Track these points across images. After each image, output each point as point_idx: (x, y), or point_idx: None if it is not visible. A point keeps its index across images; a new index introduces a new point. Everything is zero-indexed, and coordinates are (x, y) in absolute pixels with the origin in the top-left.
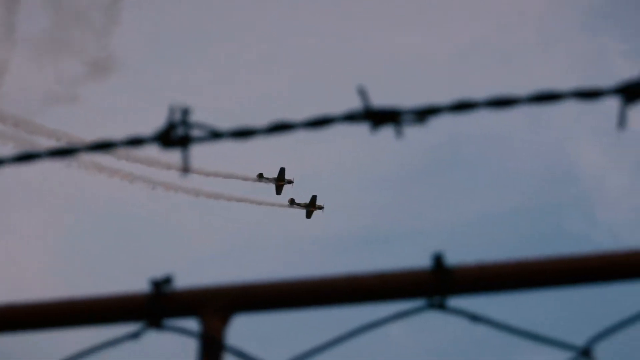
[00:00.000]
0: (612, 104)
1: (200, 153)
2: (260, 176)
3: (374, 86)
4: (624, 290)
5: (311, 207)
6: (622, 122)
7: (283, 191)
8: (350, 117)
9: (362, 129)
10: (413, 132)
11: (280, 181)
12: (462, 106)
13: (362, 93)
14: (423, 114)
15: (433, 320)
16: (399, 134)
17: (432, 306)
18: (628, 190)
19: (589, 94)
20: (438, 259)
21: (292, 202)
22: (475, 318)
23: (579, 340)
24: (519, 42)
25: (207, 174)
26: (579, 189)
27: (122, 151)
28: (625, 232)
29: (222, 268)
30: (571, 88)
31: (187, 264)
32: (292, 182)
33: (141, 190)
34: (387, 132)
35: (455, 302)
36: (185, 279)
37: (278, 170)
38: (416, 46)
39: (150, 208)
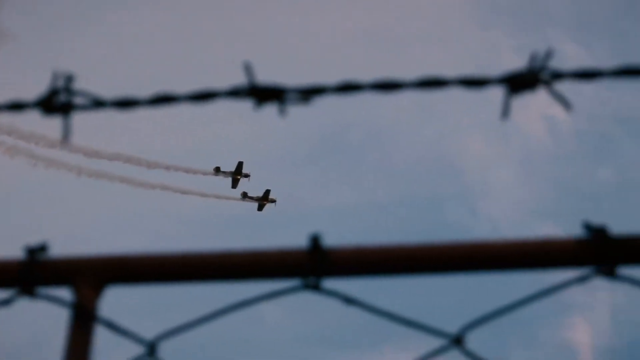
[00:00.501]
0: (499, 97)
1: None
2: (218, 170)
3: (262, 65)
4: (498, 280)
5: (264, 200)
6: (506, 112)
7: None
8: (235, 93)
9: (247, 106)
10: (303, 115)
11: (237, 175)
12: (348, 87)
13: (248, 69)
14: (308, 93)
15: (314, 304)
16: (282, 112)
17: (307, 287)
18: (511, 184)
19: (475, 83)
20: (315, 240)
21: (244, 195)
22: (349, 300)
23: (452, 328)
24: (414, 31)
25: (168, 168)
26: (463, 181)
27: (4, 124)
28: (506, 225)
29: (102, 243)
30: (457, 75)
31: (69, 238)
32: (249, 175)
33: (23, 165)
34: (271, 110)
35: (331, 284)
36: (62, 250)
37: (236, 163)
38: (311, 28)
39: (35, 182)
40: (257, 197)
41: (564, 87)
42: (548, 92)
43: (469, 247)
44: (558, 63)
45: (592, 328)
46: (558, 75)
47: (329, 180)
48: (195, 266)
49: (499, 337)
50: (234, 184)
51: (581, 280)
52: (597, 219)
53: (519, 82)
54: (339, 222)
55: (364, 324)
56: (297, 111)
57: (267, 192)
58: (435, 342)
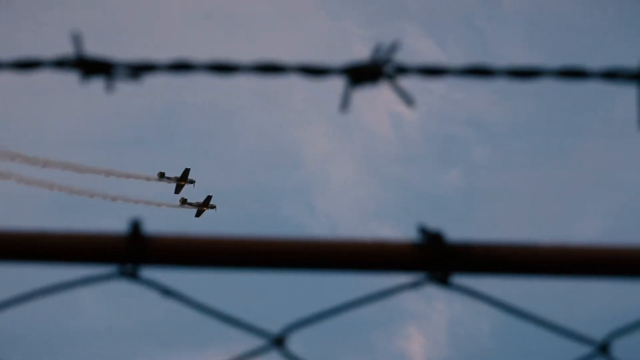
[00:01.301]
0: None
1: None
2: (162, 175)
3: (92, 37)
4: (333, 280)
5: (204, 206)
6: (345, 104)
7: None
8: (60, 63)
9: (73, 79)
10: (134, 92)
11: (182, 181)
12: (181, 66)
13: (76, 39)
14: (138, 70)
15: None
16: (110, 87)
17: (123, 274)
18: (352, 182)
19: (315, 71)
20: (135, 226)
21: (183, 201)
22: (167, 292)
23: (275, 328)
24: (261, 16)
25: (105, 173)
26: (304, 174)
27: None
28: (343, 224)
29: None
30: (297, 62)
31: None
32: (194, 182)
33: None
34: (99, 86)
35: (152, 274)
36: None
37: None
38: (150, 5)
39: None
40: (197, 203)
41: (412, 84)
42: (390, 86)
43: (301, 243)
44: (410, 58)
45: (427, 339)
46: (402, 70)
47: (158, 164)
48: (4, 245)
49: (330, 341)
50: (178, 190)
51: (413, 286)
52: (439, 224)
53: (361, 74)
54: (164, 209)
55: (192, 320)
56: (127, 88)
57: (209, 198)
58: (258, 343)
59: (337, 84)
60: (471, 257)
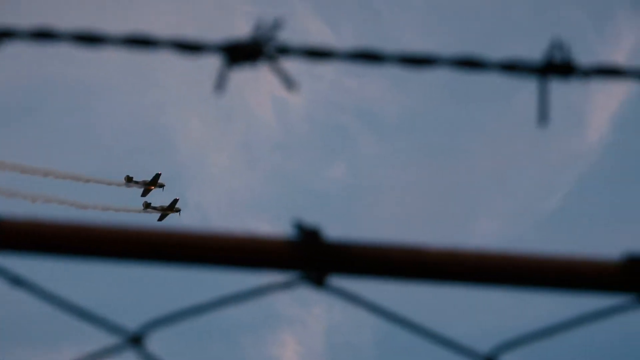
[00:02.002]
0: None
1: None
2: (129, 179)
3: None
4: (193, 278)
5: (169, 210)
6: (221, 84)
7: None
8: None
9: None
10: None
11: (151, 185)
12: (43, 34)
13: None
14: None
15: None
16: None
17: None
18: (228, 171)
19: (190, 47)
20: None
21: (147, 205)
22: (17, 281)
23: (133, 324)
24: None
25: (66, 177)
26: (177, 160)
27: None
28: (216, 216)
29: None
30: (170, 36)
31: None
32: (164, 186)
33: None
34: None
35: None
36: None
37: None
38: None
39: None
40: (162, 207)
41: (300, 68)
42: (271, 67)
43: (159, 233)
44: (297, 39)
45: (302, 347)
46: (285, 50)
47: (8, 148)
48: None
49: (196, 344)
50: (145, 193)
51: (286, 285)
52: (319, 221)
53: (239, 53)
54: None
55: (42, 314)
56: None
57: (174, 201)
58: (115, 340)
59: (215, 62)
60: (350, 257)
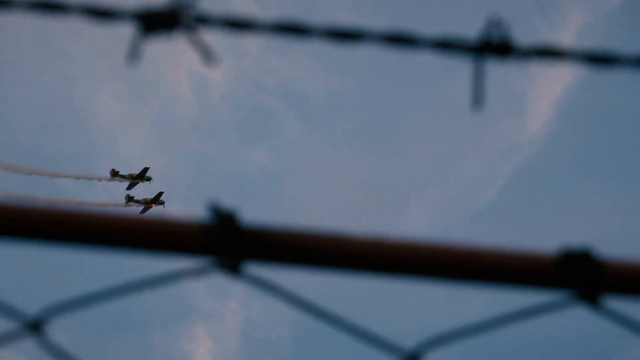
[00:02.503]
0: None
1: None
2: (115, 174)
3: None
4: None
5: (153, 203)
6: (134, 53)
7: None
8: None
9: None
10: None
11: (138, 179)
12: None
13: None
14: None
15: None
16: None
17: None
18: (141, 151)
19: (102, 14)
20: None
21: (130, 199)
22: None
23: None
24: None
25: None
26: (87, 139)
27: None
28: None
29: None
30: (81, 1)
31: None
32: (151, 179)
33: None
34: None
35: None
36: None
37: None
38: None
39: None
40: (145, 200)
41: (222, 43)
42: (189, 38)
43: (77, 215)
44: (217, 8)
45: (216, 342)
46: (203, 20)
47: None
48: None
49: (101, 335)
50: (130, 187)
51: (198, 272)
52: (240, 205)
53: (155, 21)
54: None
55: None
56: None
57: (160, 194)
58: (11, 326)
59: (129, 31)
60: (268, 243)
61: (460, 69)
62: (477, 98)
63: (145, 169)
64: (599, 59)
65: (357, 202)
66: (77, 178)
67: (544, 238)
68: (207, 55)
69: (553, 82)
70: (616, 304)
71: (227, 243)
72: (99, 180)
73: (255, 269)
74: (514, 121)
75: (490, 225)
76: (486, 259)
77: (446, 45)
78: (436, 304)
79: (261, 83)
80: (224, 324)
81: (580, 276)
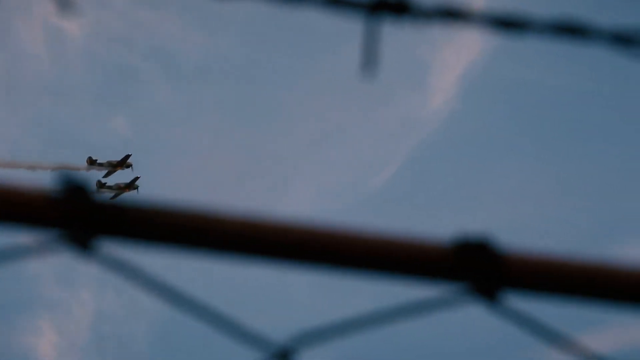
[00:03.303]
0: None
1: None
2: (92, 162)
3: None
4: None
5: (127, 189)
6: None
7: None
8: None
9: None
10: None
11: (118, 166)
12: None
13: None
14: None
15: None
16: None
17: None
18: None
19: None
20: None
21: (101, 185)
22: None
23: None
24: None
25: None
26: None
27: None
28: None
29: None
30: None
31: None
32: (131, 165)
33: None
34: None
35: None
36: None
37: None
38: None
39: None
40: (119, 185)
41: None
42: None
43: None
44: None
45: (63, 338)
46: None
47: None
48: None
49: None
50: (108, 174)
51: (43, 247)
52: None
53: None
54: None
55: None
56: None
57: (136, 179)
58: None
59: None
60: (124, 217)
61: (357, 35)
62: (369, 63)
63: (127, 156)
64: (510, 24)
65: (232, 179)
66: (52, 169)
67: (443, 225)
68: (63, 2)
69: (460, 52)
70: (517, 300)
71: (77, 216)
72: (76, 170)
73: (110, 248)
74: (414, 95)
75: (383, 209)
76: (370, 244)
77: (336, 1)
78: (318, 297)
79: (126, 40)
80: (72, 315)
81: (476, 268)
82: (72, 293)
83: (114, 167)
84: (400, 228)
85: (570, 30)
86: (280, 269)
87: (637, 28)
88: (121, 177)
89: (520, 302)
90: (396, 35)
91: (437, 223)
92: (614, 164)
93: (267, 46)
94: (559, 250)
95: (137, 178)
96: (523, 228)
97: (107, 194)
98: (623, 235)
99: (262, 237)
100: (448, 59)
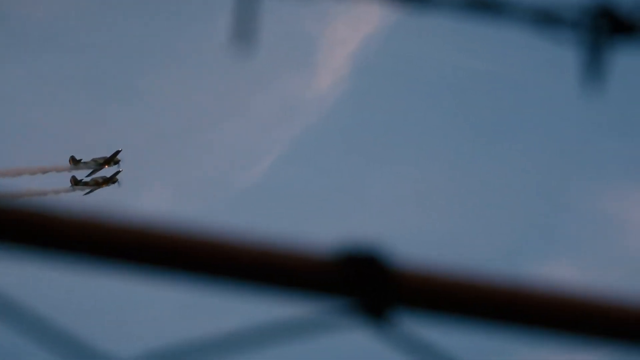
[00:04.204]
0: None
1: None
2: (75, 161)
3: None
4: None
5: (103, 184)
6: None
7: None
8: None
9: None
10: None
11: (107, 164)
12: None
13: None
14: None
15: None
16: None
17: None
18: None
19: None
20: None
21: (76, 182)
22: None
23: None
24: None
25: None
26: None
27: None
28: None
29: None
30: None
31: None
32: (119, 161)
33: None
34: None
35: None
36: None
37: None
38: None
39: None
40: (96, 180)
41: None
42: None
43: None
44: None
45: None
46: None
47: None
48: None
49: None
50: (93, 172)
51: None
52: None
53: None
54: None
55: None
56: None
57: (117, 173)
58: None
59: None
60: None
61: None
62: (242, 36)
63: (117, 152)
64: None
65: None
66: (32, 173)
67: (325, 229)
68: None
69: (353, 26)
70: (410, 321)
71: (369, 282)
72: (58, 171)
73: (404, 321)
74: (298, 75)
75: (256, 209)
76: (239, 252)
77: None
78: (188, 316)
79: None
80: None
81: (363, 284)
82: None
83: (100, 165)
84: (275, 233)
85: (483, 4)
86: (130, 278)
87: (560, 6)
88: (102, 171)
89: (414, 324)
90: (278, 6)
91: (319, 227)
92: (531, 162)
93: (129, 10)
94: (460, 266)
95: (118, 172)
96: (422, 235)
97: (83, 190)
98: (545, 250)
99: (109, 240)
100: (339, 34)
